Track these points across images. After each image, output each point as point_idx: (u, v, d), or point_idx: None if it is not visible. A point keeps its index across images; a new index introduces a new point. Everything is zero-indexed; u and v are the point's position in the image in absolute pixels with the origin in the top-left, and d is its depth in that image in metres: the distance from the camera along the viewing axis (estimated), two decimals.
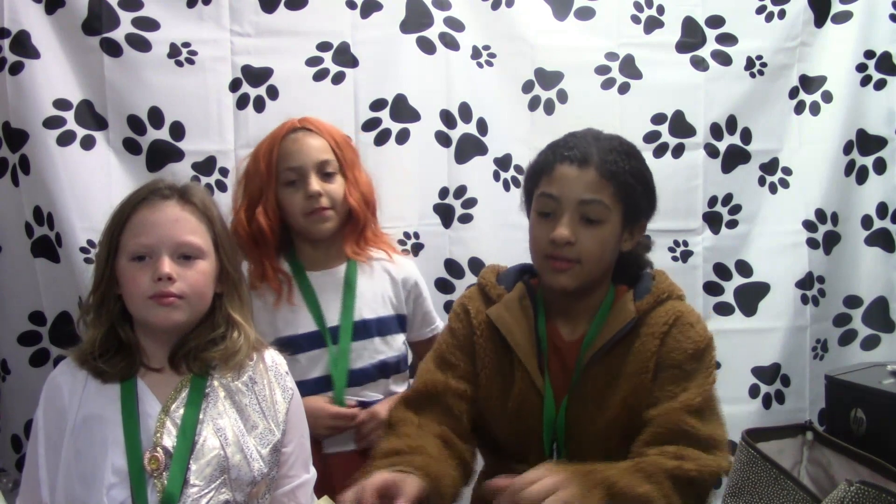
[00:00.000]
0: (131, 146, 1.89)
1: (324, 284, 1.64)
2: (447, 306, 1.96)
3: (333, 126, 1.71)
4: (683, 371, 1.24)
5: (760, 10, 2.10)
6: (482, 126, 2.02)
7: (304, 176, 1.58)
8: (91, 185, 1.84)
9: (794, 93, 2.12)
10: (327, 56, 1.95)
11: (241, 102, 1.93)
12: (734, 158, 2.11)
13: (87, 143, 1.86)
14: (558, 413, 1.26)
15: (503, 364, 1.31)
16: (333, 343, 1.60)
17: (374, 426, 1.58)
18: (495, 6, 2.02)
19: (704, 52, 2.09)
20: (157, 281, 1.16)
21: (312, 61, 1.95)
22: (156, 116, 1.88)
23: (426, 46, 1.99)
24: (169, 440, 1.16)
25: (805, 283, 2.12)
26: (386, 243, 1.74)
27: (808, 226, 2.13)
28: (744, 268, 2.14)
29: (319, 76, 1.95)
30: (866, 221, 2.15)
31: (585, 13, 2.06)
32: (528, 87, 2.05)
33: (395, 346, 1.67)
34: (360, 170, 1.69)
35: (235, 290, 1.27)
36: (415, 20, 1.98)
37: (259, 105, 1.93)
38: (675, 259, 2.10)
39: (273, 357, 1.32)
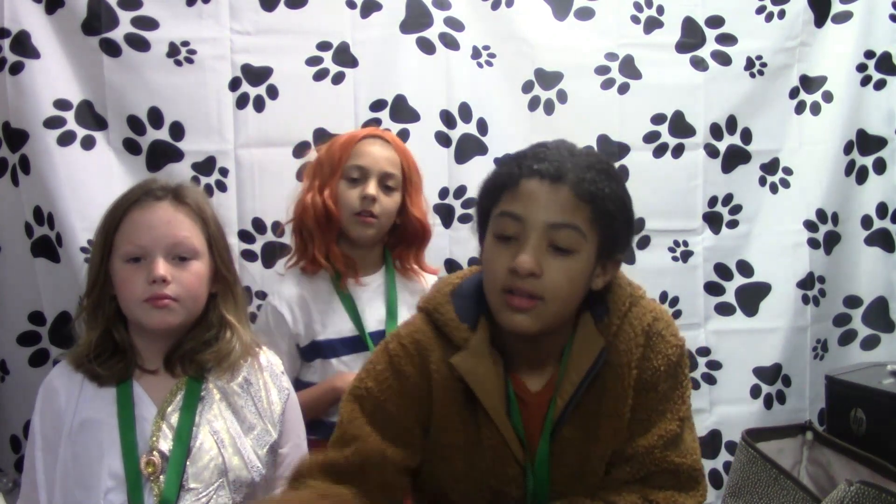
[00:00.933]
0: (131, 146, 1.89)
1: (361, 290, 1.66)
2: None
3: (409, 151, 1.73)
4: (658, 393, 1.10)
5: (760, 10, 2.10)
6: (482, 126, 2.02)
7: (367, 177, 1.61)
8: (91, 185, 1.83)
9: (794, 93, 2.12)
10: (327, 56, 1.95)
11: (241, 102, 1.92)
12: (734, 158, 2.11)
13: (88, 144, 1.86)
14: (536, 470, 1.10)
15: (467, 422, 1.10)
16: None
17: None
18: (495, 6, 2.02)
19: (704, 53, 2.09)
20: (151, 283, 1.16)
21: (312, 61, 1.95)
22: (155, 116, 1.88)
23: (426, 46, 1.99)
24: (165, 444, 1.16)
25: (806, 283, 2.12)
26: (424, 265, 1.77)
27: (809, 226, 2.13)
28: (745, 268, 2.13)
29: (319, 76, 1.95)
30: (866, 221, 2.15)
31: (585, 13, 2.06)
32: (528, 87, 2.05)
33: None
34: (422, 199, 1.72)
35: (230, 290, 1.26)
36: (415, 20, 1.98)
37: (259, 104, 1.93)
38: (675, 259, 2.10)
39: (269, 357, 1.31)
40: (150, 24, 1.87)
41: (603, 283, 1.10)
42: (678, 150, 2.09)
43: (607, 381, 1.09)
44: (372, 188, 1.60)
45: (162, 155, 1.89)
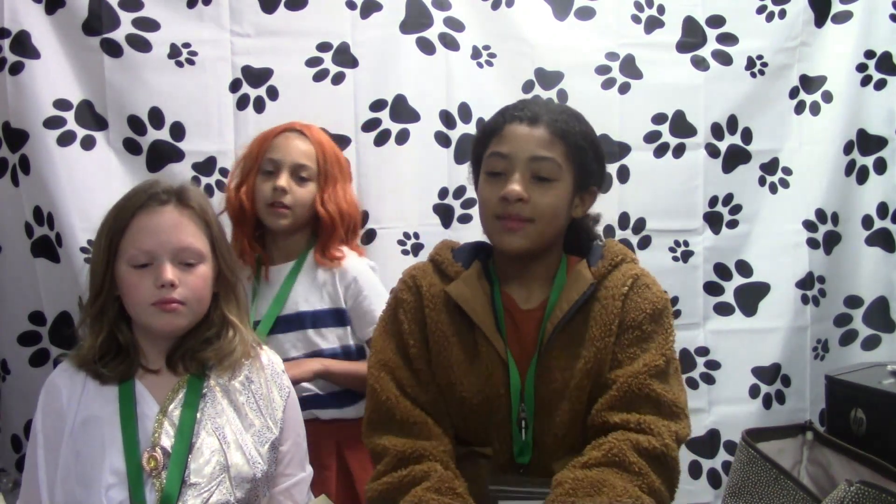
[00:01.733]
0: (131, 146, 1.89)
1: (271, 281, 1.73)
2: None
3: (332, 143, 1.78)
4: (643, 332, 1.24)
5: (761, 9, 2.10)
6: None
7: (279, 170, 1.69)
8: (91, 186, 1.84)
9: (794, 93, 2.12)
10: (327, 56, 1.95)
11: (241, 103, 1.93)
12: (735, 158, 2.11)
13: (88, 144, 1.86)
14: (525, 383, 1.24)
15: (465, 342, 1.27)
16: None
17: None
18: (495, 6, 2.02)
19: (705, 52, 2.09)
20: (159, 287, 1.17)
21: (312, 62, 1.95)
22: (156, 117, 1.88)
23: (426, 46, 1.99)
24: (167, 440, 1.16)
25: (805, 283, 2.12)
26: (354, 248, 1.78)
27: (809, 226, 2.13)
28: (744, 268, 2.13)
29: (319, 76, 1.95)
30: (867, 221, 2.15)
31: (585, 13, 2.06)
32: (528, 87, 2.05)
33: (330, 338, 1.71)
34: (346, 190, 1.76)
35: (232, 291, 1.28)
36: (415, 20, 1.98)
37: (259, 106, 1.94)
38: (675, 259, 2.10)
39: (269, 356, 1.32)
40: (151, 25, 1.87)
41: (583, 212, 1.32)
42: (679, 150, 2.09)
43: (594, 311, 1.26)
44: (283, 180, 1.67)
45: (162, 155, 1.90)
